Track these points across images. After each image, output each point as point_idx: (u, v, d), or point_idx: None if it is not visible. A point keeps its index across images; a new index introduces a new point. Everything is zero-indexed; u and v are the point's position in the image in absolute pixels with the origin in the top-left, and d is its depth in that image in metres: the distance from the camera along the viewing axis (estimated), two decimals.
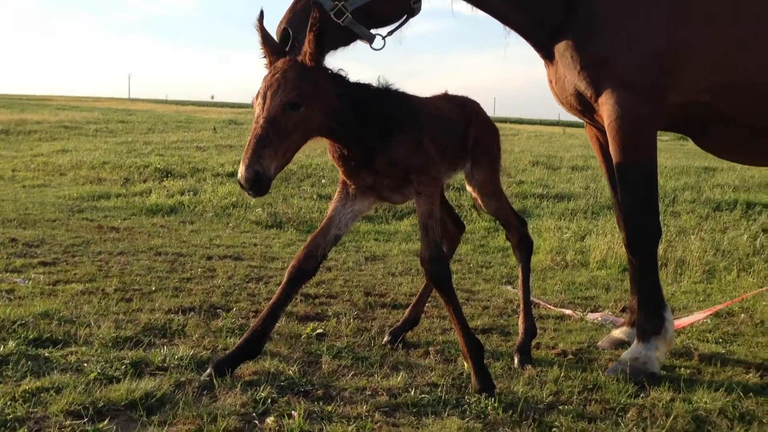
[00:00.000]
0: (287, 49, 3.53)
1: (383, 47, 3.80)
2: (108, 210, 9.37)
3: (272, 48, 3.45)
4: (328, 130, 3.47)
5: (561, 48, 4.05)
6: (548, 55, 4.23)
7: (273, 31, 3.60)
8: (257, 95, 3.27)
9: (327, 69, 3.45)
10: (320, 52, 3.32)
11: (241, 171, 3.07)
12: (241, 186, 3.12)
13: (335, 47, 3.74)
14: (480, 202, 4.32)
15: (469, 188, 4.33)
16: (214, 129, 24.33)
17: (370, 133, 3.53)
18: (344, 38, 3.74)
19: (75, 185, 11.59)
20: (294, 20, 3.64)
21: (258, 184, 3.07)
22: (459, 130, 4.10)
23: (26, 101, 54.59)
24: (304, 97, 3.23)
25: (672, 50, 3.88)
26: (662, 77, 3.89)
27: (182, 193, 10.57)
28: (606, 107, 3.93)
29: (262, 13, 3.45)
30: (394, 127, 3.57)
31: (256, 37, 3.45)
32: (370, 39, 3.78)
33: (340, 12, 3.60)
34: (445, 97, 4.28)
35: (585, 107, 4.17)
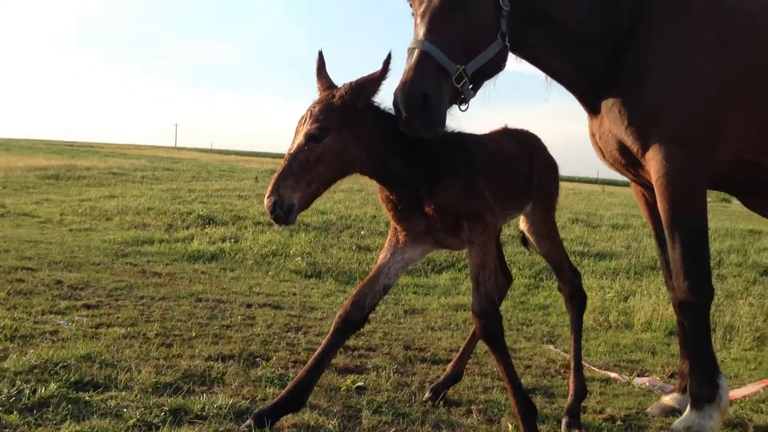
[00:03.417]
0: (424, 113, 3.35)
1: (467, 108, 3.71)
2: (151, 255, 9.49)
3: (325, 84, 3.47)
4: (367, 169, 3.41)
5: (609, 102, 3.99)
6: (593, 109, 4.16)
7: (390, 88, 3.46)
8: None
9: (371, 103, 3.40)
10: (365, 92, 3.33)
11: (264, 200, 3.17)
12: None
13: (444, 111, 3.61)
14: (533, 242, 4.21)
15: (522, 226, 4.24)
16: (256, 178, 24.69)
17: (417, 175, 3.43)
18: (451, 101, 3.65)
19: (120, 230, 11.80)
20: (429, 84, 3.39)
21: (274, 212, 3.12)
22: (523, 168, 4.00)
23: (77, 148, 56.42)
24: (327, 129, 3.22)
25: (720, 107, 3.82)
26: (711, 133, 3.82)
27: (223, 240, 10.66)
28: (654, 162, 3.86)
29: (321, 53, 3.54)
30: (443, 169, 3.46)
31: (313, 73, 3.50)
32: (468, 101, 3.69)
33: (461, 76, 3.48)
34: (506, 133, 4.19)
35: (630, 162, 4.10)
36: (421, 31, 3.50)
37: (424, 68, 3.43)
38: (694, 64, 3.85)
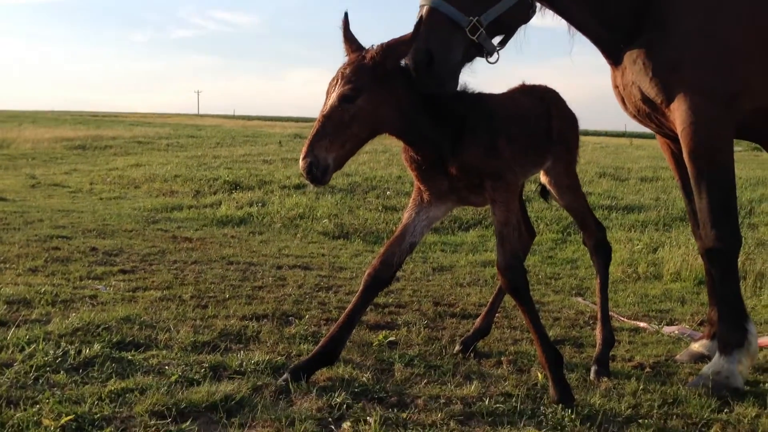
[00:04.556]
0: (431, 68, 3.40)
1: (497, 60, 3.72)
2: (181, 221, 9.66)
3: (352, 46, 3.50)
4: (396, 128, 3.48)
5: (632, 54, 3.97)
6: (616, 61, 4.14)
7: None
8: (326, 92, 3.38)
9: (399, 65, 3.43)
10: (395, 53, 3.35)
11: (300, 162, 3.23)
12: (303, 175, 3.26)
13: (462, 65, 3.65)
14: (555, 194, 4.23)
15: (543, 179, 4.25)
16: (280, 143, 24.78)
17: (441, 135, 3.49)
18: (470, 55, 3.66)
19: (149, 197, 12.00)
20: (435, 39, 3.44)
21: (310, 173, 3.19)
22: (541, 124, 4.01)
23: (101, 118, 56.99)
24: (359, 90, 3.26)
25: (744, 56, 3.79)
26: (735, 82, 3.79)
27: (251, 205, 10.80)
28: (679, 113, 3.84)
29: (346, 14, 3.52)
30: (465, 128, 3.51)
31: (340, 37, 3.52)
32: (492, 53, 3.69)
33: (475, 28, 3.50)
34: (523, 90, 4.18)
35: (654, 112, 4.08)
36: None
37: (431, 24, 3.44)
38: (719, 16, 3.82)
